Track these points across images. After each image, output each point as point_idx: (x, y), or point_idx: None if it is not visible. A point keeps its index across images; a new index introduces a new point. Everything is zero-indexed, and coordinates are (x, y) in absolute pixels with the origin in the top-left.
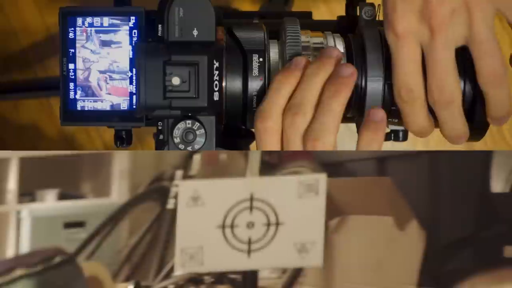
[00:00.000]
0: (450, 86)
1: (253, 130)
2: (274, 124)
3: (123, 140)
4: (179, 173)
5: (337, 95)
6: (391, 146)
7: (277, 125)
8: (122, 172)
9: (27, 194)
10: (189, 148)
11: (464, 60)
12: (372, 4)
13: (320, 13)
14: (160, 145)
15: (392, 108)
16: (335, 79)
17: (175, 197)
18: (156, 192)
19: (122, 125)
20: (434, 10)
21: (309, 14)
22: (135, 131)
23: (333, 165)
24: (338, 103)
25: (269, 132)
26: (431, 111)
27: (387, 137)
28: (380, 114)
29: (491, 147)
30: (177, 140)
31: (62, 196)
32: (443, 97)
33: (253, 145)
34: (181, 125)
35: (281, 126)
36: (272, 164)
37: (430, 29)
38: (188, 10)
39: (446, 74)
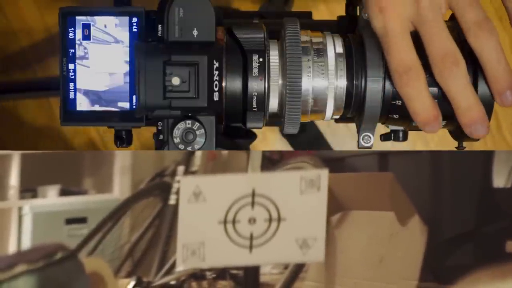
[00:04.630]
0: (450, 48)
1: (252, 130)
2: None
3: (123, 140)
4: (181, 168)
5: None
6: (391, 146)
7: None
8: (124, 168)
9: (29, 190)
10: (189, 148)
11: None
12: None
13: (320, 13)
14: (160, 145)
15: (392, 103)
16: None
17: (177, 192)
18: (158, 188)
19: (122, 125)
20: None
21: (309, 14)
22: (135, 131)
23: (335, 161)
24: None
25: None
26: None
27: (387, 137)
28: None
29: (491, 147)
30: (177, 140)
31: (64, 192)
32: (447, 62)
33: (253, 145)
34: (181, 125)
35: None
36: (274, 160)
37: None
38: (188, 10)
39: (442, 37)
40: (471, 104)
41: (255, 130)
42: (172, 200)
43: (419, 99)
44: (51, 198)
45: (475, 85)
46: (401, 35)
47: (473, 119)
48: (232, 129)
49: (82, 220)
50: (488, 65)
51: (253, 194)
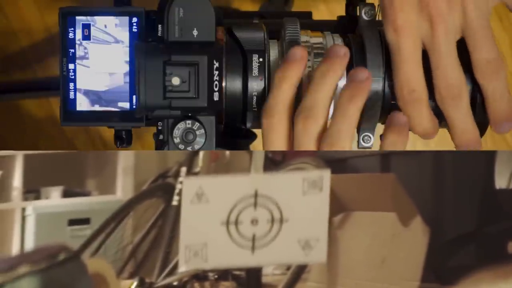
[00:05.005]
0: (456, 80)
1: (252, 130)
2: (279, 120)
3: (123, 140)
4: (183, 170)
5: (354, 100)
6: None
7: (282, 121)
8: (127, 169)
9: (32, 191)
10: (189, 148)
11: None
12: (372, 4)
13: (320, 13)
14: (160, 145)
15: (392, 103)
16: (351, 84)
17: (180, 193)
18: (161, 189)
19: (122, 125)
20: (432, 0)
21: (309, 14)
22: (135, 131)
23: (337, 162)
24: (355, 108)
25: (274, 129)
26: (435, 114)
27: None
28: (403, 118)
29: (491, 147)
30: (177, 140)
31: (67, 193)
32: (450, 92)
33: (253, 145)
34: (181, 125)
35: (287, 123)
36: (276, 160)
37: (429, 19)
38: (188, 10)
39: (451, 68)
40: (467, 130)
41: (255, 130)
42: (175, 201)
43: (419, 119)
44: (54, 199)
45: (473, 99)
46: (411, 56)
47: (467, 142)
48: (232, 129)
49: (85, 221)
50: (491, 98)
51: (256, 195)
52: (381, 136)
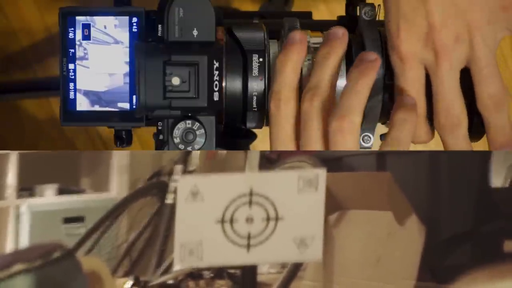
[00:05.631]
0: (456, 110)
1: (252, 130)
2: (285, 103)
3: (123, 140)
4: (178, 168)
5: (363, 76)
6: None
7: (289, 104)
8: (122, 167)
9: (26, 189)
10: (189, 148)
11: (465, 79)
12: (372, 5)
13: (320, 13)
14: (160, 145)
15: (391, 104)
16: (360, 63)
17: (175, 192)
18: (156, 187)
19: (122, 125)
20: (438, 34)
21: (309, 14)
22: (135, 131)
23: (333, 160)
24: (364, 84)
25: (282, 112)
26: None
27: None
28: (412, 99)
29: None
30: (177, 140)
31: (62, 191)
32: (449, 121)
33: (252, 145)
34: (181, 125)
35: (294, 106)
36: (272, 159)
37: (434, 53)
38: (188, 10)
39: (452, 98)
40: None
41: (255, 130)
42: (169, 200)
43: (418, 132)
44: (48, 197)
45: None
46: (414, 82)
47: None
48: (232, 129)
49: (79, 219)
50: (492, 129)
51: (251, 193)
52: (381, 136)
